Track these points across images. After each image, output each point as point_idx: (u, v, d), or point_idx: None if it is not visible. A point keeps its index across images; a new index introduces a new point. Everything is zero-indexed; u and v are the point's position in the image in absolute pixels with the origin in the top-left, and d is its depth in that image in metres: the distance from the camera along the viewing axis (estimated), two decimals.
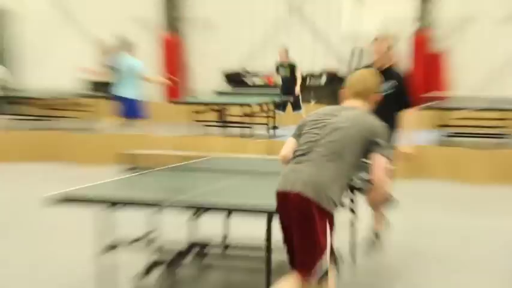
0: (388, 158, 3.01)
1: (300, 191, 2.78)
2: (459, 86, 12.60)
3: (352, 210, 4.27)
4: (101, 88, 11.71)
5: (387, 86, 4.40)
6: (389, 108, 4.30)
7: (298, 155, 3.00)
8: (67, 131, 10.13)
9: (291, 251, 2.95)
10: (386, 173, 2.96)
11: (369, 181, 3.06)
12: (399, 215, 5.29)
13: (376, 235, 4.82)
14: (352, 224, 4.34)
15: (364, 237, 4.64)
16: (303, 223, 2.82)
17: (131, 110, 8.75)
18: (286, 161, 3.09)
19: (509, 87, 11.85)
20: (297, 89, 10.07)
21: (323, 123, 2.97)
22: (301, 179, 2.83)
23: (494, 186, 7.58)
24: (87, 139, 9.21)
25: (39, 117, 11.18)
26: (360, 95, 3.16)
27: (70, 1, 14.68)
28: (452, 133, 9.09)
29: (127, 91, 8.67)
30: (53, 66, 14.40)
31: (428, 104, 9.33)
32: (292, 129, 3.29)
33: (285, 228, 2.93)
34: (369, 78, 3.29)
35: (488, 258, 4.84)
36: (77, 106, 11.37)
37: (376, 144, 2.92)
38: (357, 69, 5.21)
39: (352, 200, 4.17)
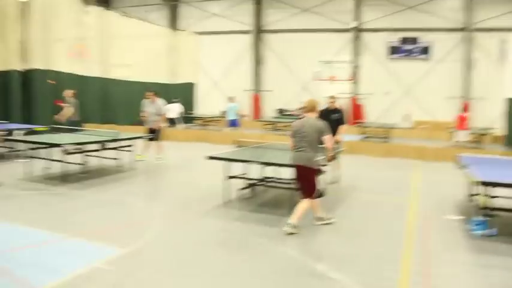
0: (329, 138, 6.47)
1: (303, 163, 6.45)
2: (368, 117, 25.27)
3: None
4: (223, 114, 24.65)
5: (335, 115, 9.88)
6: (336, 124, 9.60)
7: (296, 146, 6.55)
8: (212, 130, 21.87)
9: (300, 188, 6.56)
10: (331, 145, 6.62)
11: (324, 149, 6.50)
12: (347, 169, 10.49)
13: (335, 177, 9.94)
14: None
15: (331, 178, 9.63)
16: (306, 176, 6.48)
17: (233, 124, 20.79)
18: (292, 148, 6.65)
19: (386, 118, 24.39)
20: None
21: (302, 130, 6.48)
22: (301, 157, 6.47)
23: (384, 158, 14.87)
24: (219, 133, 20.04)
25: (201, 124, 23.84)
26: (311, 110, 6.63)
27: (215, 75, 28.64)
28: (365, 136, 20.60)
29: (231, 116, 20.77)
30: (207, 104, 28.26)
31: (357, 124, 21.55)
32: None
33: (297, 178, 6.59)
34: (313, 102, 6.71)
35: (385, 189, 10.39)
36: (214, 121, 23.99)
37: (323, 133, 6.48)
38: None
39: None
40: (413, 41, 26.52)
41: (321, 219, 6.75)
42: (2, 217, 6.72)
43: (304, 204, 6.52)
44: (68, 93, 14.10)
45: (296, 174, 6.73)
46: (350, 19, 27.20)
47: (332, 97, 10.36)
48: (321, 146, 6.63)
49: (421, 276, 5.01)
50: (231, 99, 20.93)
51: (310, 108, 6.74)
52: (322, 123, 6.66)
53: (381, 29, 26.82)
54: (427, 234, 6.63)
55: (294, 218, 6.35)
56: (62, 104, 14.31)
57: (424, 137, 22.18)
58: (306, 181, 6.61)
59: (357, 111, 27.14)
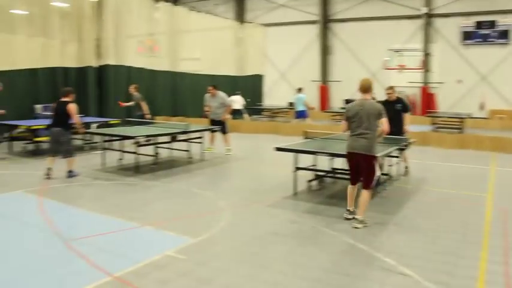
0: (386, 121, 6.05)
1: (363, 152, 6.01)
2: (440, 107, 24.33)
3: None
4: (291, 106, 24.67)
5: (398, 105, 9.62)
6: (399, 114, 9.54)
7: (354, 132, 6.09)
8: (279, 122, 21.91)
9: (354, 177, 6.33)
10: (387, 129, 6.15)
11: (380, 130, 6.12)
12: (417, 161, 10.60)
13: (406, 168, 9.84)
14: (398, 163, 9.27)
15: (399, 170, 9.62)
16: (367, 165, 6.11)
17: (301, 115, 20.65)
18: (345, 131, 6.34)
19: (459, 108, 23.34)
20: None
21: (359, 113, 6.03)
22: (361, 145, 6.02)
23: (457, 150, 14.12)
24: (288, 125, 19.98)
25: (269, 116, 24.05)
26: (367, 91, 6.16)
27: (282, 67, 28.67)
28: (437, 127, 19.76)
29: (299, 107, 20.68)
30: (275, 96, 28.52)
31: (428, 114, 20.83)
32: None
33: (353, 167, 6.31)
34: (369, 82, 6.23)
35: (458, 182, 11.65)
36: (282, 112, 24.07)
37: (381, 115, 6.07)
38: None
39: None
40: (491, 24, 25.12)
41: (361, 221, 6.17)
42: (79, 205, 7.08)
43: (365, 196, 6.24)
44: (132, 88, 14.61)
45: (352, 163, 6.37)
46: (420, 5, 26.19)
47: (391, 88, 9.98)
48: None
49: (501, 275, 4.74)
50: (299, 90, 20.79)
51: (366, 88, 6.24)
52: (380, 105, 6.24)
53: (454, 14, 25.70)
54: (507, 230, 6.27)
55: (360, 212, 6.22)
56: (125, 104, 14.84)
57: (501, 128, 21.10)
58: (366, 170, 6.24)
59: (428, 100, 26.20)
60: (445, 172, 10.72)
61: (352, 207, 6.48)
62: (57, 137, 8.96)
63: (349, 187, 6.56)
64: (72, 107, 8.94)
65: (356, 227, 6.11)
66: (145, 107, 14.52)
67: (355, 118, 6.16)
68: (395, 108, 9.70)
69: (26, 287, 4.22)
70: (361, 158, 6.19)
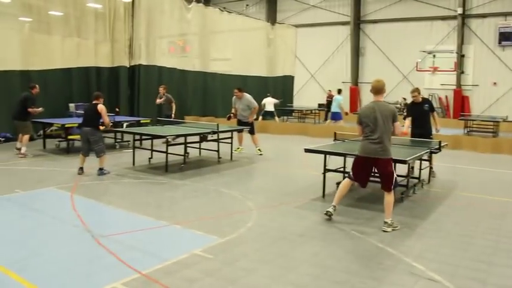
0: (398, 125, 5.97)
1: (379, 156, 5.90)
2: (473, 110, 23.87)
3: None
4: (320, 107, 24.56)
5: (426, 105, 9.62)
6: (427, 114, 9.62)
7: (369, 136, 5.91)
8: (309, 123, 21.93)
9: (356, 172, 6.25)
10: (400, 133, 6.23)
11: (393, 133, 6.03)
12: (448, 165, 10.82)
13: (431, 169, 9.43)
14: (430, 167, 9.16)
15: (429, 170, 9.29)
16: (384, 168, 6.00)
17: (336, 116, 20.60)
18: (361, 134, 6.15)
19: (494, 111, 22.99)
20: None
21: (373, 116, 5.88)
22: (376, 149, 5.90)
23: (491, 154, 13.76)
24: (318, 126, 20.10)
25: (299, 117, 24.10)
26: (380, 92, 6.02)
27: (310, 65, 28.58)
28: (470, 130, 19.40)
29: (334, 109, 20.64)
30: (305, 97, 28.52)
31: (461, 117, 20.38)
32: None
33: (359, 166, 6.19)
34: (382, 84, 6.09)
35: (491, 187, 11.75)
36: (312, 114, 23.95)
37: (395, 117, 5.97)
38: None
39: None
40: None
41: (390, 225, 6.07)
42: (109, 202, 7.20)
43: (389, 199, 6.10)
44: (161, 88, 14.79)
45: (360, 164, 6.25)
46: (455, 5, 25.66)
47: (416, 89, 9.83)
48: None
49: None
50: (338, 91, 20.73)
51: (378, 89, 6.12)
52: (393, 107, 6.13)
53: (491, 14, 25.07)
54: None
55: (387, 216, 6.13)
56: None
57: None
58: (385, 173, 6.11)
59: (462, 103, 25.69)
60: (477, 177, 10.47)
61: (337, 205, 6.40)
62: (88, 136, 9.20)
63: (345, 182, 6.46)
64: (103, 108, 9.30)
65: (385, 231, 6.03)
66: (174, 108, 14.69)
67: (368, 121, 6.04)
68: (423, 109, 9.67)
69: (56, 280, 4.31)
70: (376, 162, 6.10)
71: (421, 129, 9.71)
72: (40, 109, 11.51)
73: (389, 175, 6.10)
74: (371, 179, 8.33)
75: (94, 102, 9.38)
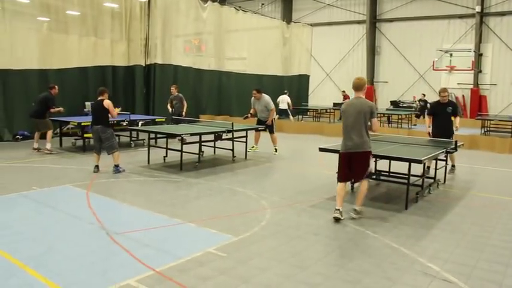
0: (376, 121, 6.21)
1: (358, 150, 6.17)
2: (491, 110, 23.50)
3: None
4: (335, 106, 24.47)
5: (449, 107, 9.71)
6: (449, 116, 9.65)
7: (348, 132, 6.27)
8: (323, 122, 21.91)
9: (344, 174, 6.41)
10: (376, 129, 6.30)
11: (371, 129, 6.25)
12: (464, 165, 10.97)
13: (453, 166, 10.07)
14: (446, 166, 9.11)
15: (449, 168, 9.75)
16: (362, 161, 6.29)
17: None
18: (343, 132, 6.39)
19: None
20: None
21: (353, 112, 6.17)
22: (355, 144, 6.20)
23: (509, 154, 13.60)
24: (333, 125, 19.85)
25: (314, 116, 23.91)
26: (360, 89, 6.25)
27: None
28: (487, 130, 19.12)
29: None
30: (320, 96, 28.40)
31: (479, 117, 20.13)
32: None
33: (344, 165, 6.37)
34: (362, 81, 6.36)
35: (509, 188, 11.52)
36: (327, 113, 23.88)
37: (373, 114, 6.13)
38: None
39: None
40: None
41: (359, 212, 6.44)
42: (124, 200, 7.25)
43: (364, 186, 6.42)
44: (173, 88, 14.85)
45: (344, 162, 6.45)
46: (474, 3, 25.34)
47: (445, 90, 9.93)
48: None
49: None
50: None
51: (358, 86, 6.35)
52: (372, 103, 6.33)
53: (510, 12, 24.72)
54: None
55: (358, 203, 6.45)
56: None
57: None
58: (361, 165, 6.37)
59: (479, 102, 25.38)
60: (494, 177, 10.34)
61: (341, 207, 6.43)
62: (99, 134, 9.23)
63: (340, 185, 6.52)
64: (109, 103, 9.20)
65: (353, 217, 6.28)
66: (186, 106, 14.75)
67: (347, 117, 6.29)
68: (446, 111, 9.75)
69: (72, 276, 4.36)
70: (356, 155, 6.31)
71: (441, 129, 9.77)
72: (61, 109, 11.70)
73: (366, 166, 6.35)
74: (384, 178, 8.46)
75: (99, 98, 9.31)
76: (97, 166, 9.29)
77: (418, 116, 22.61)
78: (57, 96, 11.96)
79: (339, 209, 6.41)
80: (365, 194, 6.47)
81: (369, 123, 6.31)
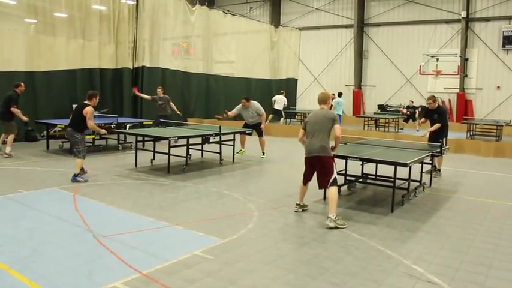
0: (338, 127, 6.51)
1: (320, 154, 6.49)
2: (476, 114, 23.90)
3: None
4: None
5: (436, 115, 10.19)
6: (435, 122, 10.09)
7: (311, 138, 6.58)
8: None
9: (306, 176, 6.82)
10: (338, 133, 6.50)
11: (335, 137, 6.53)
12: (450, 168, 11.09)
13: (439, 170, 10.32)
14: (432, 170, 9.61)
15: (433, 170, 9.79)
16: (323, 165, 6.53)
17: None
18: (301, 141, 6.83)
19: (497, 115, 22.41)
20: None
21: (316, 120, 6.58)
22: (317, 148, 6.50)
23: (493, 158, 13.84)
24: None
25: (302, 120, 23.55)
26: (324, 102, 6.76)
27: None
28: (473, 134, 19.30)
29: (338, 111, 20.63)
30: (307, 99, 28.50)
31: (464, 121, 20.36)
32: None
33: (308, 169, 6.73)
34: (326, 95, 6.86)
35: (493, 191, 11.86)
36: None
37: (335, 121, 6.56)
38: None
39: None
40: None
41: (334, 221, 6.30)
42: (111, 203, 7.23)
43: (331, 193, 6.49)
44: (159, 89, 14.87)
45: (308, 165, 6.81)
46: (459, 8, 25.62)
47: (431, 98, 10.48)
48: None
49: None
50: (339, 94, 20.88)
51: (322, 100, 6.84)
52: (333, 113, 6.80)
53: (495, 18, 24.97)
54: None
55: (331, 211, 6.36)
56: (138, 93, 15.53)
57: None
58: (324, 170, 6.60)
59: (465, 107, 25.64)
60: (478, 180, 10.47)
61: (301, 202, 7.11)
62: (68, 137, 9.02)
63: (301, 185, 7.05)
64: (88, 110, 8.65)
65: (330, 226, 6.25)
66: (175, 107, 14.88)
67: (311, 126, 6.68)
68: (433, 118, 10.37)
69: (58, 279, 4.35)
70: (318, 159, 6.59)
71: (432, 133, 10.41)
72: (25, 118, 11.46)
73: (329, 171, 6.54)
74: (371, 181, 8.55)
75: (85, 102, 8.85)
76: (82, 169, 9.04)
77: (406, 121, 22.78)
78: (23, 94, 11.66)
79: (298, 204, 7.12)
80: (335, 200, 6.42)
81: (331, 129, 6.64)
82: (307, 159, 6.80)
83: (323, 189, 7.45)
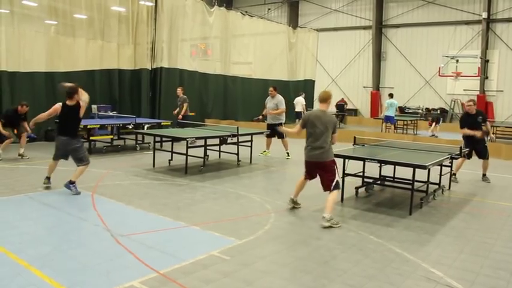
0: (336, 136, 6.55)
1: (322, 160, 6.47)
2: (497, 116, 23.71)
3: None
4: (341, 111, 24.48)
5: (480, 117, 9.72)
6: (480, 126, 9.64)
7: (311, 143, 6.51)
8: None
9: (307, 174, 6.80)
10: (335, 142, 6.56)
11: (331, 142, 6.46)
12: (470, 171, 10.70)
13: (454, 175, 9.72)
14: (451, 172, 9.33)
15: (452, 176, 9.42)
16: (324, 168, 6.49)
17: (389, 120, 20.31)
18: (295, 135, 7.28)
19: None
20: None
21: (318, 123, 6.40)
22: (318, 154, 6.46)
23: None
24: (338, 131, 20.25)
25: None
26: (324, 101, 6.55)
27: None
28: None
29: (389, 113, 20.44)
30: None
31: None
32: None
33: (309, 171, 6.74)
34: (327, 94, 6.61)
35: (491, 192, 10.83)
36: (336, 116, 24.10)
37: (335, 129, 6.52)
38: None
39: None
40: None
41: (328, 220, 6.30)
42: (129, 202, 7.28)
43: (331, 197, 6.44)
44: (179, 90, 14.89)
45: (308, 168, 6.79)
46: (480, 9, 25.30)
47: (471, 100, 10.03)
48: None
49: None
50: (391, 95, 20.90)
51: (324, 98, 6.63)
52: (335, 119, 6.70)
53: None
54: None
55: (327, 211, 6.32)
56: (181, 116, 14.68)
57: None
58: (326, 174, 6.55)
59: (485, 109, 25.30)
60: (499, 184, 10.29)
61: (295, 198, 7.12)
62: (66, 147, 7.99)
63: (301, 179, 7.05)
64: (83, 106, 8.17)
65: (324, 226, 6.24)
66: (185, 108, 14.76)
67: (312, 129, 6.54)
68: (477, 121, 9.78)
69: (76, 277, 4.39)
70: (321, 165, 6.56)
71: (474, 140, 9.82)
72: (8, 140, 11.00)
73: (331, 175, 6.50)
74: (389, 183, 8.47)
75: (67, 103, 8.12)
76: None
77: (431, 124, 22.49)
78: (26, 114, 11.18)
79: (291, 199, 7.18)
80: (333, 202, 6.45)
81: (330, 137, 6.60)
82: (307, 163, 6.81)
83: (341, 190, 7.43)
